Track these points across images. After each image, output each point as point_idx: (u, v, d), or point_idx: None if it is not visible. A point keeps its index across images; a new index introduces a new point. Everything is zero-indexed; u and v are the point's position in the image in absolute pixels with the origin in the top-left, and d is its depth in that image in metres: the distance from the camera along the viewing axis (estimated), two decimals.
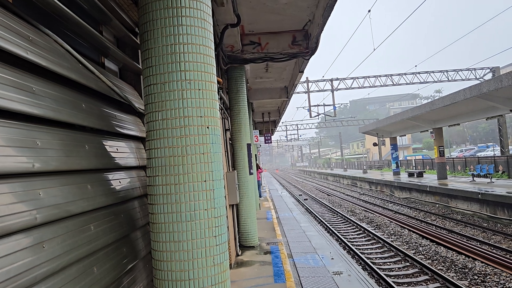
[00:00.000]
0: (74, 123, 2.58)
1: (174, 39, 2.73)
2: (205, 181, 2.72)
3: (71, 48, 2.69)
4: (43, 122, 2.28)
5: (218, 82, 7.02)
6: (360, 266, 10.64)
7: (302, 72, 10.89)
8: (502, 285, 8.75)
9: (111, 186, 2.97)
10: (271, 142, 23.76)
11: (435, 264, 10.91)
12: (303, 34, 8.55)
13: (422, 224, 16.76)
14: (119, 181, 3.15)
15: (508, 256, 11.03)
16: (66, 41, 2.68)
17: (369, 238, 14.76)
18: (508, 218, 15.58)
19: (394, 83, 33.30)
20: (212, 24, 2.99)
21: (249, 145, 10.06)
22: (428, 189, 22.78)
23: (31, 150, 2.06)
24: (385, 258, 11.92)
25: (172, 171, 2.68)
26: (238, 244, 9.03)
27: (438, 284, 9.13)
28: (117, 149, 3.25)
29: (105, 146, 3.04)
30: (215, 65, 2.98)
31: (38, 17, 2.59)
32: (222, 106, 8.52)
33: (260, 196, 20.53)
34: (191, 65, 2.75)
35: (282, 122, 57.08)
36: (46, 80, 2.37)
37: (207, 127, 2.78)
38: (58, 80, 2.54)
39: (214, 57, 2.96)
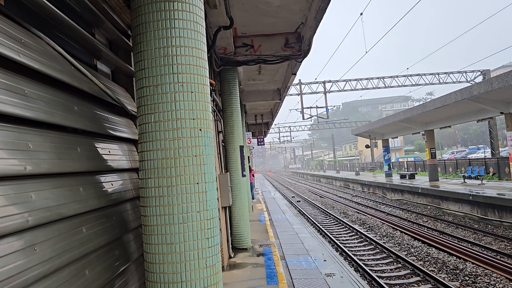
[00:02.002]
0: (66, 125, 2.57)
1: (167, 42, 2.74)
2: (197, 183, 2.73)
3: (63, 51, 2.69)
4: (35, 125, 2.27)
5: (211, 84, 7.04)
6: (353, 268, 10.69)
7: (295, 74, 10.93)
8: (492, 286, 8.83)
9: (103, 189, 2.97)
10: (264, 144, 23.80)
11: (426, 265, 10.99)
12: (296, 36, 8.59)
13: (414, 226, 16.87)
14: (111, 183, 3.14)
15: (498, 257, 11.14)
16: (58, 44, 2.68)
17: (362, 239, 14.83)
18: (498, 219, 15.73)
19: (386, 85, 33.53)
20: (204, 26, 3.01)
21: (242, 147, 10.07)
22: (419, 191, 22.93)
23: (23, 152, 2.05)
24: (378, 259, 11.98)
25: (165, 173, 2.69)
26: (231, 246, 9.03)
27: (429, 285, 9.20)
28: (109, 151, 3.24)
29: (97, 148, 3.04)
30: (207, 67, 2.99)
31: (30, 19, 2.59)
32: (214, 108, 8.53)
33: (253, 198, 20.53)
34: (184, 68, 2.76)
35: (275, 124, 57.19)
36: (38, 83, 2.37)
37: (200, 130, 2.79)
38: (50, 83, 2.53)
39: (206, 59, 2.98)
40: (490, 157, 27.31)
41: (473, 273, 9.73)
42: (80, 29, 2.98)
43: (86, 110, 2.92)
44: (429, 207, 21.79)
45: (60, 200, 2.28)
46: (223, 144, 9.92)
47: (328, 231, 16.47)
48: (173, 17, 2.76)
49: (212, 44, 6.86)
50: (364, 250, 13.22)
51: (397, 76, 33.16)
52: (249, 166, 18.47)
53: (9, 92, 2.03)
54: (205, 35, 2.99)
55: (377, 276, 9.97)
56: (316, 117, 34.19)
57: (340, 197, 31.66)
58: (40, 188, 2.15)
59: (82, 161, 2.68)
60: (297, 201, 29.04)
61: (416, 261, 11.45)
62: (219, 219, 5.62)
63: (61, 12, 2.70)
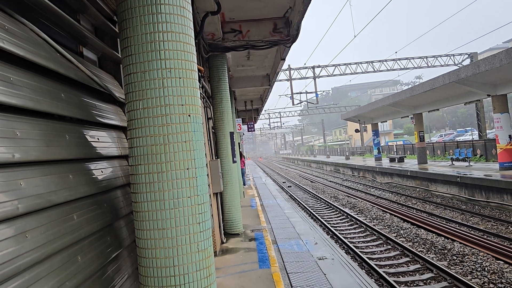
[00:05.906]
0: (54, 112, 2.56)
1: (154, 27, 2.72)
2: (187, 168, 2.74)
3: (49, 37, 2.66)
4: (22, 112, 2.26)
5: (199, 70, 6.99)
6: (344, 251, 10.86)
7: (284, 59, 10.90)
8: (479, 265, 9.05)
9: (93, 176, 2.97)
10: (254, 131, 23.83)
11: (415, 246, 11.20)
12: (284, 21, 8.55)
13: (403, 208, 17.13)
14: (101, 170, 3.14)
15: (485, 237, 11.40)
16: (43, 31, 2.64)
17: (352, 222, 15.03)
18: (485, 200, 16.04)
19: (375, 69, 33.62)
20: (191, 12, 2.98)
21: (232, 134, 10.08)
22: (409, 174, 23.22)
23: (11, 140, 2.05)
24: (368, 242, 12.17)
25: (155, 160, 2.69)
26: (223, 231, 9.10)
27: (418, 265, 9.40)
28: (98, 138, 3.23)
29: (86, 135, 3.03)
30: (195, 53, 2.98)
31: (13, 6, 2.55)
32: (204, 94, 8.49)
33: (244, 184, 20.62)
34: (171, 54, 2.74)
35: (265, 110, 57.15)
36: (24, 70, 2.34)
37: (189, 115, 2.79)
38: (36, 70, 2.51)
39: (194, 45, 2.96)
40: (478, 139, 27.66)
41: (460, 253, 9.95)
42: (65, 15, 2.94)
43: (73, 98, 2.90)
44: (418, 189, 22.09)
45: (50, 187, 2.28)
46: (213, 130, 9.91)
47: (319, 215, 16.65)
48: (159, 2, 2.73)
49: (200, 30, 6.80)
50: (354, 233, 13.41)
51: (385, 60, 33.23)
52: (240, 152, 18.48)
53: None
54: (192, 20, 2.97)
55: (367, 258, 10.14)
56: (305, 103, 34.25)
57: (330, 181, 31.91)
58: (30, 175, 2.15)
59: (71, 149, 2.67)
60: (288, 186, 29.21)
61: (406, 242, 11.66)
62: (211, 205, 5.66)
63: None
